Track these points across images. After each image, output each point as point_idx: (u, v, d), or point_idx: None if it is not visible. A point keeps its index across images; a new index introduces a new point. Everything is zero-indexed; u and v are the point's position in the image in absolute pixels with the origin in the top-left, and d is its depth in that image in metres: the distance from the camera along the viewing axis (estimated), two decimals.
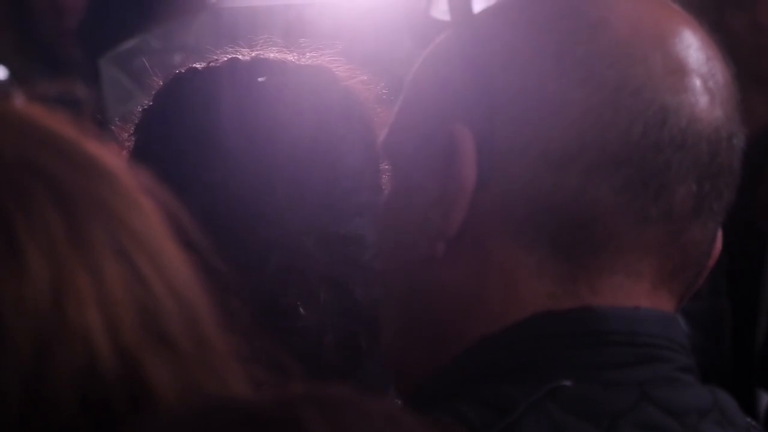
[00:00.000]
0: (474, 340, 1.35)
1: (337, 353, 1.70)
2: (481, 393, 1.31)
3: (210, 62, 1.81)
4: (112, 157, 1.10)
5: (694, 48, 1.39)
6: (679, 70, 1.37)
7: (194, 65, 1.85)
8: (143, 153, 1.78)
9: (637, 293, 1.36)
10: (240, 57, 1.79)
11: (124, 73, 2.84)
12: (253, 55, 1.83)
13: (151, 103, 1.82)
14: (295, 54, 1.80)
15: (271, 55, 1.83)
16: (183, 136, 1.74)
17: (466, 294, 1.37)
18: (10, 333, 1.03)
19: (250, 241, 1.71)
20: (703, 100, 1.37)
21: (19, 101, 1.21)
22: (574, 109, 1.35)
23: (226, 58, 1.77)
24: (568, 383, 1.31)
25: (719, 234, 1.39)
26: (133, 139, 1.82)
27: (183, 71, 1.83)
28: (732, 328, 2.50)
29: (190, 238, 1.10)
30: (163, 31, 2.88)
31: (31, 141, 1.09)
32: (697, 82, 1.38)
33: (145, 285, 1.06)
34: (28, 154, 1.08)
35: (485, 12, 1.47)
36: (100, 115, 2.84)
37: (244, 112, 1.79)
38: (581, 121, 1.35)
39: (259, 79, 1.80)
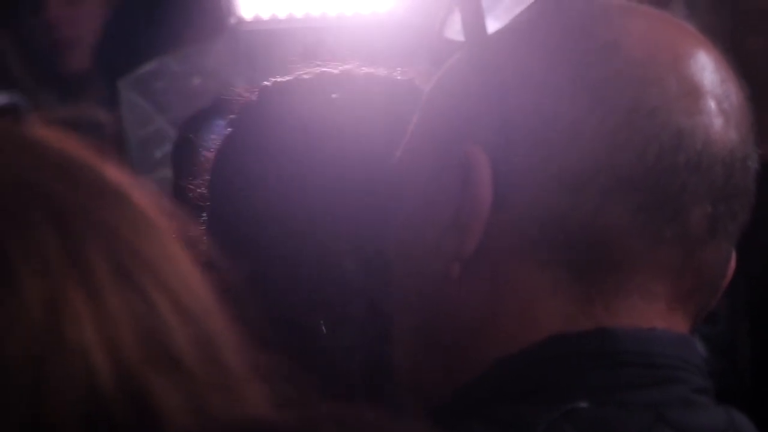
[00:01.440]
0: (490, 361, 1.35)
1: (366, 373, 1.70)
2: (498, 414, 1.32)
3: (296, 76, 1.80)
4: (121, 177, 1.08)
5: (708, 69, 1.39)
6: (693, 92, 1.37)
7: (279, 79, 1.83)
8: (232, 163, 1.77)
9: (652, 314, 1.35)
10: (328, 71, 1.79)
11: (143, 96, 2.86)
12: (327, 70, 1.80)
13: (239, 116, 1.80)
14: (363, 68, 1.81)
15: (351, 69, 1.82)
16: (273, 148, 1.73)
17: (481, 314, 1.37)
18: (6, 355, 1.02)
19: (306, 255, 1.71)
20: (717, 122, 1.36)
21: (30, 123, 1.21)
22: (589, 131, 1.35)
23: (311, 73, 1.76)
24: (584, 405, 1.31)
25: (733, 255, 1.39)
26: (219, 148, 1.81)
27: (271, 84, 1.81)
28: (750, 350, 2.51)
29: (208, 258, 1.10)
30: (181, 54, 2.90)
31: (35, 161, 1.09)
32: (712, 104, 1.37)
33: (148, 304, 1.05)
34: (27, 173, 1.07)
35: (498, 33, 1.47)
36: (119, 138, 2.87)
37: (332, 125, 1.79)
38: (595, 143, 1.35)
39: (333, 96, 1.81)
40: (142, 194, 1.08)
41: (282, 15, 2.19)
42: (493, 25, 1.47)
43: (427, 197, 1.41)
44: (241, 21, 2.19)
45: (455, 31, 1.53)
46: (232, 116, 1.83)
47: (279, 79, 1.78)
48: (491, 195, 1.34)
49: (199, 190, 1.83)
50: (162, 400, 1.02)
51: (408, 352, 1.44)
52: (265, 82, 1.80)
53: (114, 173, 1.07)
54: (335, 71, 1.73)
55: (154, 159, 2.86)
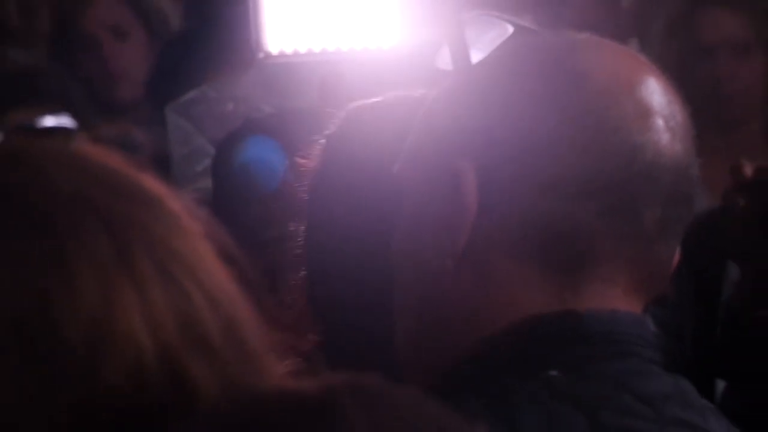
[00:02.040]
0: (477, 340, 1.34)
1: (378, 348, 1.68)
2: (485, 385, 1.30)
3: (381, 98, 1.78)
4: (157, 187, 1.09)
5: (658, 93, 1.39)
6: (645, 113, 1.37)
7: (366, 100, 1.81)
8: (328, 171, 1.74)
9: (613, 299, 1.36)
10: (408, 94, 1.77)
11: (186, 119, 2.84)
12: (407, 93, 1.77)
13: (334, 131, 1.77)
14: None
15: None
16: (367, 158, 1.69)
17: (470, 301, 1.37)
18: (67, 340, 1.02)
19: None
20: (665, 138, 1.37)
21: (81, 142, 1.21)
22: (561, 147, 1.35)
23: (392, 96, 1.73)
24: (556, 374, 1.31)
25: (678, 249, 1.40)
26: (318, 160, 1.78)
27: (360, 104, 1.79)
28: (692, 327, 2.49)
29: (230, 254, 1.09)
30: (217, 84, 2.89)
31: (86, 176, 1.08)
32: (661, 123, 1.37)
33: (184, 295, 1.05)
34: (83, 187, 1.07)
35: (482, 63, 1.46)
36: (165, 154, 2.86)
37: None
38: (567, 157, 1.34)
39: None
40: (176, 201, 1.08)
41: (302, 50, 2.18)
42: (476, 56, 1.47)
43: (423, 203, 1.41)
44: (267, 55, 2.17)
45: (445, 61, 1.53)
46: (327, 131, 1.79)
47: (367, 101, 1.75)
48: (477, 202, 1.34)
49: (300, 193, 1.83)
50: (196, 375, 1.03)
51: (409, 334, 1.43)
52: (355, 102, 1.79)
53: (151, 184, 1.08)
54: (415, 94, 1.69)
55: (196, 172, 2.83)
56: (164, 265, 1.05)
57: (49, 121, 1.17)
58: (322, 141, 1.73)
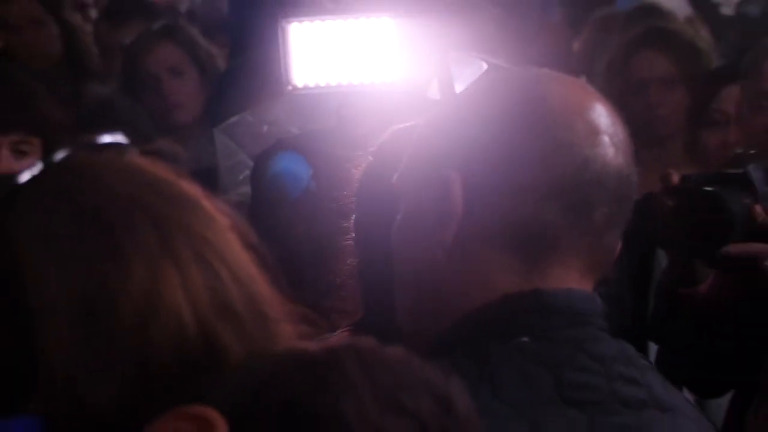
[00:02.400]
0: (462, 313, 1.35)
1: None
2: (471, 347, 1.30)
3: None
4: (194, 189, 1.10)
5: (603, 116, 1.38)
6: (594, 131, 1.36)
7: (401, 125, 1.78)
8: (370, 183, 1.73)
9: (570, 279, 1.36)
10: None
11: (230, 139, 2.85)
12: None
13: (377, 149, 1.76)
14: None
15: None
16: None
17: (457, 282, 1.36)
18: (121, 314, 1.02)
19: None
20: (611, 152, 1.36)
21: (133, 155, 1.21)
22: (529, 159, 1.34)
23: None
24: (526, 339, 1.32)
25: (620, 240, 1.40)
26: (363, 172, 1.78)
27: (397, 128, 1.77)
28: (631, 302, 2.51)
29: (251, 243, 1.10)
30: (255, 110, 2.89)
31: (135, 181, 1.09)
32: (607, 139, 1.36)
33: (215, 276, 1.05)
34: (133, 191, 1.07)
35: (464, 93, 1.46)
36: (214, 167, 2.87)
37: None
38: (534, 167, 1.33)
39: None
40: (208, 200, 1.10)
41: (322, 83, 2.18)
42: (459, 88, 1.47)
43: (419, 204, 1.39)
44: (294, 87, 2.17)
45: (434, 92, 1.53)
46: (372, 149, 1.80)
47: (403, 125, 1.74)
48: (462, 204, 1.34)
49: (346, 200, 1.82)
50: (225, 340, 1.04)
51: (407, 309, 1.42)
52: (394, 126, 1.79)
53: (188, 187, 1.09)
54: None
55: (238, 180, 2.84)
56: (199, 252, 1.05)
57: (107, 138, 1.16)
58: (368, 156, 1.73)
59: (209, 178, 2.70)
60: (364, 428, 0.92)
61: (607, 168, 1.35)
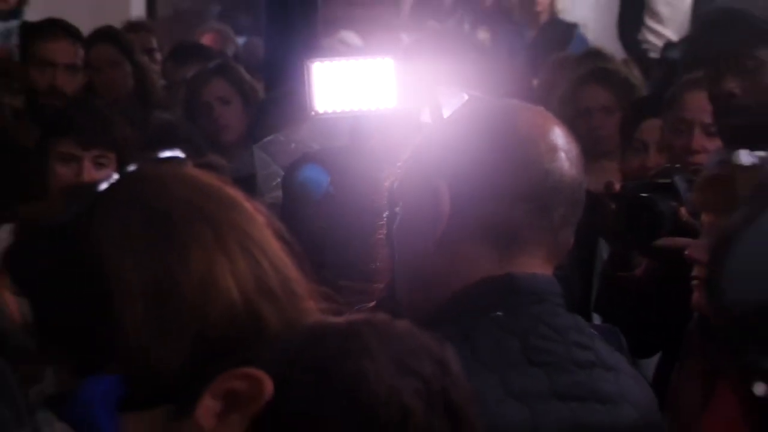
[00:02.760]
0: (449, 294, 1.34)
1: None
2: (456, 321, 1.29)
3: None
4: (237, 193, 1.09)
5: (560, 137, 1.37)
6: (554, 149, 1.34)
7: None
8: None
9: (534, 266, 1.35)
10: None
11: (266, 154, 2.84)
12: None
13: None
14: None
15: None
16: None
17: (445, 270, 1.34)
18: (183, 295, 1.02)
19: None
20: (566, 165, 1.34)
21: (189, 167, 1.21)
22: (501, 172, 1.33)
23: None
24: (500, 314, 1.32)
25: (573, 235, 1.39)
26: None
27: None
28: (578, 283, 2.54)
29: (283, 236, 1.09)
30: (285, 131, 2.88)
31: (192, 187, 1.08)
32: (563, 155, 1.34)
33: (257, 263, 1.05)
34: (191, 196, 1.07)
35: (450, 118, 1.44)
36: (253, 175, 2.87)
37: None
38: (506, 178, 1.33)
39: None
40: (248, 202, 1.09)
41: (338, 110, 2.16)
42: (446, 114, 1.47)
43: (414, 207, 1.37)
44: (316, 112, 2.15)
45: (426, 117, 1.52)
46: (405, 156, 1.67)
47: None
48: (449, 207, 1.33)
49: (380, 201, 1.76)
50: (267, 315, 1.03)
51: (405, 290, 1.41)
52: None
53: (233, 192, 1.09)
54: None
55: (272, 186, 2.81)
56: (244, 244, 1.04)
57: (168, 153, 1.16)
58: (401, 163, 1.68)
59: (249, 184, 2.69)
60: (380, 386, 0.92)
61: (563, 178, 1.33)
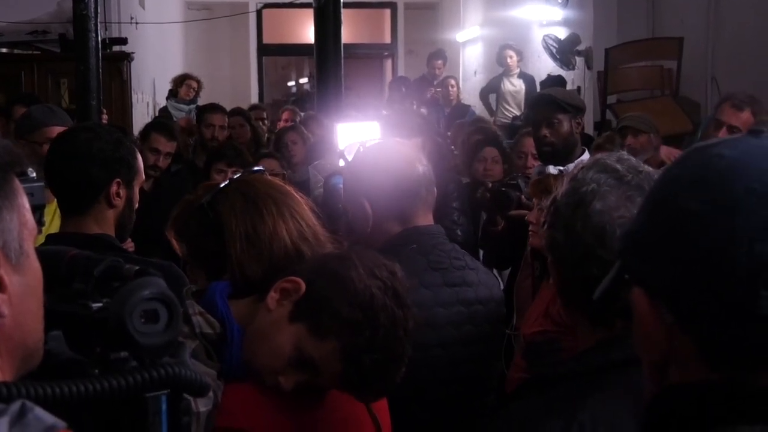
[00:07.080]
0: (385, 239, 1.22)
1: None
2: (395, 251, 1.14)
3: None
4: (292, 190, 1.00)
5: (421, 163, 1.26)
6: (418, 162, 1.25)
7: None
8: None
9: (425, 221, 1.23)
10: None
11: (315, 171, 2.74)
12: None
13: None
14: None
15: None
16: None
17: (379, 229, 1.23)
18: (261, 239, 0.93)
19: None
20: (423, 170, 1.24)
21: (268, 175, 1.10)
22: (394, 183, 1.21)
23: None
24: (414, 246, 1.24)
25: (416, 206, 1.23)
26: None
27: None
28: (471, 233, 2.49)
29: (314, 210, 1.00)
30: (325, 158, 2.84)
31: (269, 185, 1.00)
32: (421, 168, 1.26)
33: (298, 224, 0.96)
34: (268, 190, 0.99)
35: (365, 151, 1.29)
36: (306, 180, 2.79)
37: None
38: (399, 184, 1.21)
39: None
40: (293, 190, 1.01)
41: (350, 147, 1.96)
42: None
43: (355, 209, 1.25)
44: (340, 150, 2.12)
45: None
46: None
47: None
48: (371, 209, 1.22)
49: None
50: (304, 251, 0.95)
51: (359, 237, 1.23)
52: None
53: (289, 189, 1.01)
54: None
55: (318, 187, 2.59)
56: (292, 214, 0.96)
57: (257, 168, 1.02)
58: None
59: (304, 186, 2.59)
60: (361, 284, 0.85)
61: (421, 178, 1.25)
